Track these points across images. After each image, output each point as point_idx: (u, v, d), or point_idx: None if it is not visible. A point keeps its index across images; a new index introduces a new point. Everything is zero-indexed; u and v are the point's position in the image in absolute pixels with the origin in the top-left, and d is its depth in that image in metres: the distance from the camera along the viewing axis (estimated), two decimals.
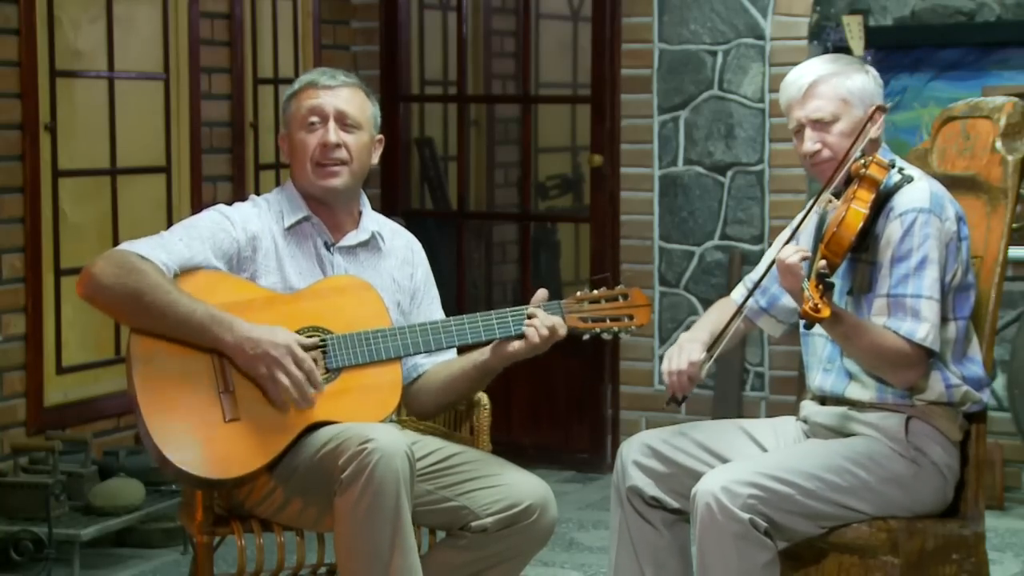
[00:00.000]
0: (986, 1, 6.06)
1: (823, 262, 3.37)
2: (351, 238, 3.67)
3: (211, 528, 3.54)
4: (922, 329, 3.47)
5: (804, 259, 3.41)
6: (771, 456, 3.61)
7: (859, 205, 3.43)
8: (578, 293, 3.60)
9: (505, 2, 8.27)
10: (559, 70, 8.42)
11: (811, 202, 3.58)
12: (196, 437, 3.38)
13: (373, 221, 3.72)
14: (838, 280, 3.61)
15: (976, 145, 3.73)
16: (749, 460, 3.57)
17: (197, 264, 3.48)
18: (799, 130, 3.64)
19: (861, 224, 3.41)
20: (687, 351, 3.63)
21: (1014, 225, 3.67)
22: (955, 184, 3.74)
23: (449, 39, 7.68)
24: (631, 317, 3.59)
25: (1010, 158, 3.64)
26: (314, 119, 3.60)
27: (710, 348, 3.64)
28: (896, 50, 6.10)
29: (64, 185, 5.39)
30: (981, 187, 3.70)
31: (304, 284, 3.58)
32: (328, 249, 3.64)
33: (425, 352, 3.57)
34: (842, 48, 6.02)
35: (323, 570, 3.67)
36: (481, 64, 8.04)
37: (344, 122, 3.62)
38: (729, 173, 6.33)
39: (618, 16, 6.41)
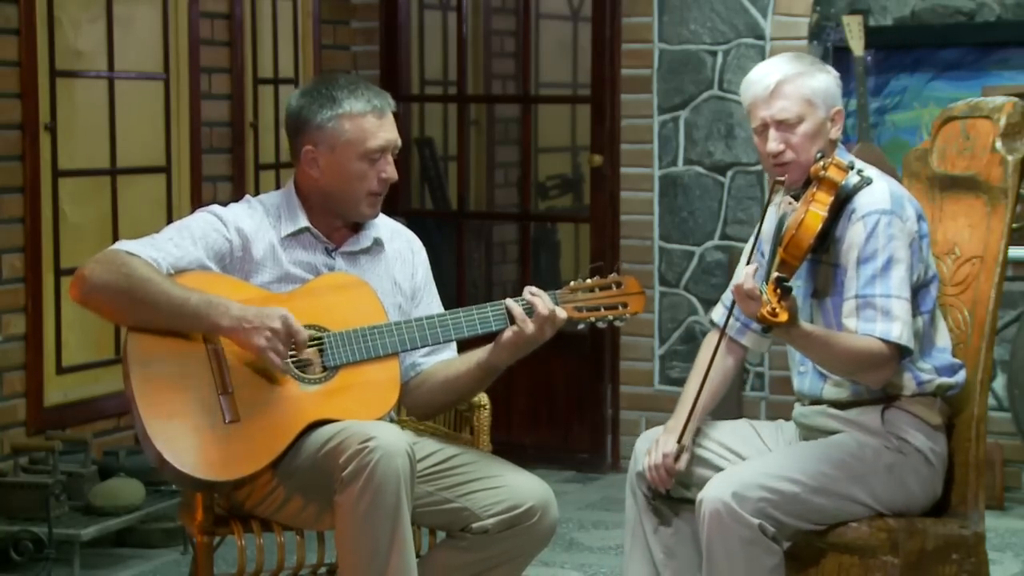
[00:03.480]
0: (986, 1, 6.06)
1: (782, 265, 3.37)
2: (353, 243, 3.66)
3: (211, 528, 3.54)
4: (896, 328, 3.48)
5: (757, 271, 3.38)
6: (773, 457, 3.63)
7: (818, 207, 3.43)
8: (571, 283, 3.58)
9: (505, 2, 8.26)
10: (559, 70, 8.42)
11: (765, 207, 3.58)
12: (196, 440, 3.37)
13: (375, 228, 3.70)
14: (801, 282, 3.62)
15: (976, 145, 3.73)
16: (751, 463, 3.58)
17: (188, 264, 3.48)
18: (763, 130, 3.64)
19: (820, 226, 3.41)
20: (661, 444, 3.65)
21: (1014, 225, 3.67)
22: (955, 184, 3.74)
23: (449, 39, 7.68)
24: (625, 305, 3.58)
25: (1010, 158, 3.64)
26: (377, 155, 3.57)
27: (682, 435, 3.64)
28: (896, 50, 6.10)
29: (64, 185, 5.39)
30: (981, 187, 3.70)
31: (300, 284, 3.58)
32: (330, 254, 3.64)
33: (423, 346, 3.57)
34: (842, 48, 6.03)
35: (323, 570, 3.67)
36: (481, 64, 8.04)
37: (395, 154, 3.62)
38: (729, 173, 6.33)
39: (618, 16, 6.41)
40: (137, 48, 5.70)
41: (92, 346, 5.48)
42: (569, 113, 8.37)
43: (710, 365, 3.64)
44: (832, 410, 3.64)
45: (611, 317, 3.58)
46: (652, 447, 3.67)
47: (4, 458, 5.11)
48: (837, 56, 6.12)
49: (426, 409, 3.72)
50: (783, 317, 3.26)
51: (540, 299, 3.49)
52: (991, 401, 4.25)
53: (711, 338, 3.81)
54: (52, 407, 5.33)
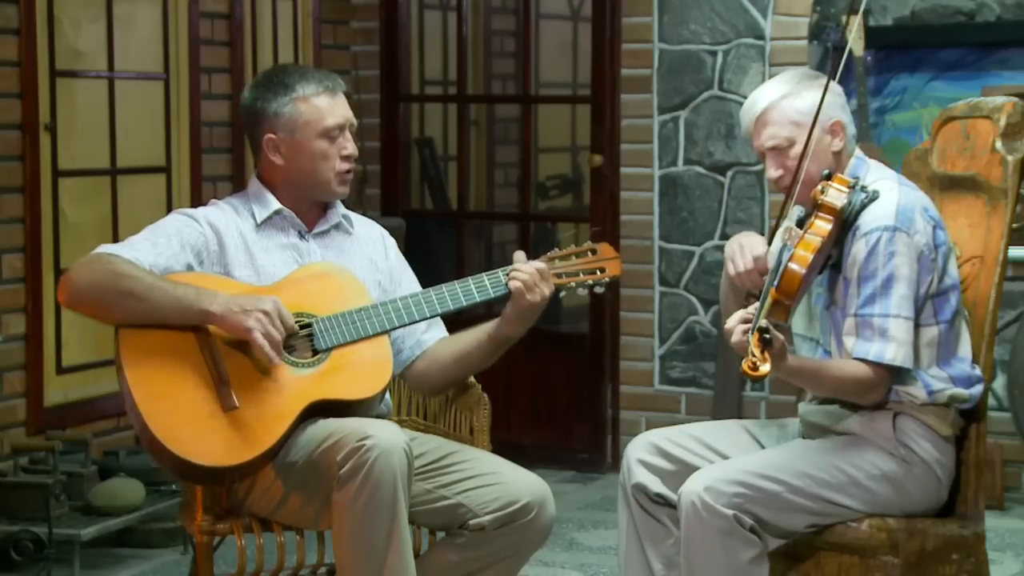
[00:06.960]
0: (986, 1, 6.06)
1: (775, 306, 3.27)
2: (323, 223, 3.71)
3: (211, 528, 3.54)
4: (890, 350, 3.46)
5: (747, 323, 3.29)
6: (759, 455, 3.63)
7: (811, 238, 3.35)
8: (549, 253, 3.65)
9: (505, 2, 8.27)
10: (559, 70, 8.42)
11: (773, 230, 3.57)
12: (196, 428, 3.39)
13: (339, 208, 3.77)
14: (823, 290, 3.60)
15: (976, 145, 3.73)
16: (734, 460, 3.58)
17: (167, 260, 3.52)
18: (762, 158, 3.66)
19: (812, 259, 3.31)
20: (748, 247, 3.58)
21: (1014, 225, 3.66)
22: (955, 184, 3.74)
23: (449, 39, 7.68)
24: (603, 270, 3.66)
25: (1010, 158, 3.64)
26: (336, 132, 3.63)
27: (771, 237, 3.62)
28: (896, 50, 6.10)
29: (64, 185, 5.39)
30: (981, 187, 3.69)
31: (280, 275, 3.60)
32: (303, 237, 3.68)
33: (410, 323, 3.60)
34: (842, 48, 6.02)
35: (323, 570, 3.67)
36: (481, 64, 8.04)
37: (353, 131, 3.68)
38: (729, 173, 6.33)
39: (618, 16, 6.41)
40: (137, 48, 5.70)
41: (92, 346, 5.48)
42: (569, 113, 8.37)
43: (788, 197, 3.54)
44: (842, 410, 3.61)
45: (591, 282, 3.64)
46: (736, 252, 3.57)
47: (4, 458, 5.11)
48: (837, 56, 6.12)
49: (435, 385, 3.76)
50: (763, 371, 3.18)
51: (523, 270, 3.55)
52: (991, 401, 4.25)
53: None
54: (52, 407, 5.33)
